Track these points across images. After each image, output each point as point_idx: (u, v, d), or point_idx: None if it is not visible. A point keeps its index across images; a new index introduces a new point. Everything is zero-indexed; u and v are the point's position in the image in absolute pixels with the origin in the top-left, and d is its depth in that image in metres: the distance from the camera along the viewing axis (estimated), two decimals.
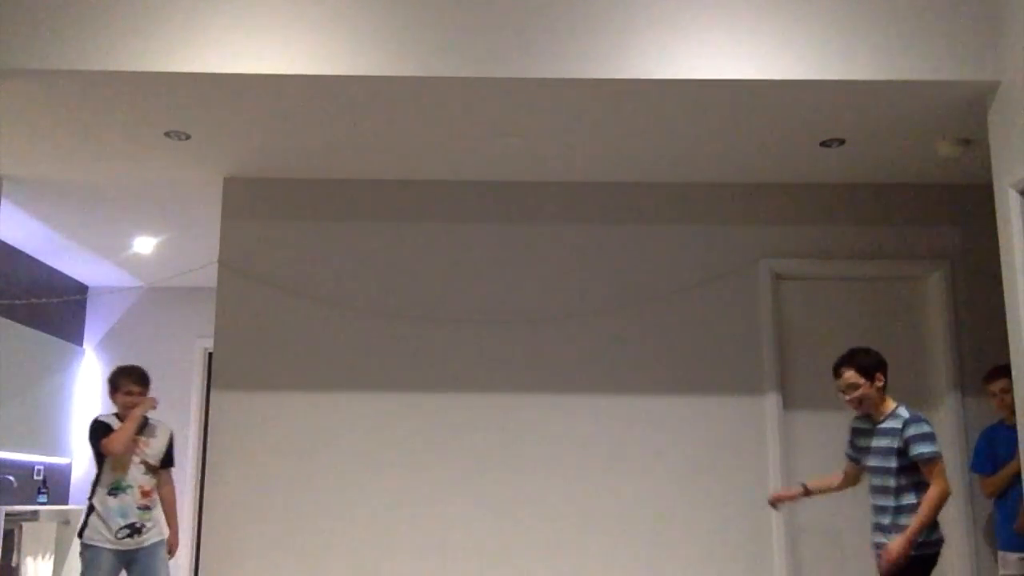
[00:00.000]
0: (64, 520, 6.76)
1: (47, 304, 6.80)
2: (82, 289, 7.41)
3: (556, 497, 4.54)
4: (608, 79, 3.70)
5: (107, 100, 3.91)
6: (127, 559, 4.17)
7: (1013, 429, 4.13)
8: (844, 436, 4.65)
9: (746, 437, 4.60)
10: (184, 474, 7.22)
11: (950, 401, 4.65)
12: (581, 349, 4.68)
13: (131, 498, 4.16)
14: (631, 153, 4.48)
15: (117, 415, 4.27)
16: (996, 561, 4.17)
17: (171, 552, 4.32)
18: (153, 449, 4.27)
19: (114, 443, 4.10)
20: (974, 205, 4.87)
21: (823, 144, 4.35)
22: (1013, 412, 4.10)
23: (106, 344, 7.44)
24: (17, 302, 6.36)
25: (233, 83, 3.75)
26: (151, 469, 4.24)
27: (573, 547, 4.49)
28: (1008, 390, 4.11)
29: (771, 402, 4.62)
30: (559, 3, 3.75)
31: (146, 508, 4.21)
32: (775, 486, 4.52)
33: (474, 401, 4.62)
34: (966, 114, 4.01)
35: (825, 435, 4.67)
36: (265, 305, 4.72)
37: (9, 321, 6.22)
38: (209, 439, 4.59)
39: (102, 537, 4.13)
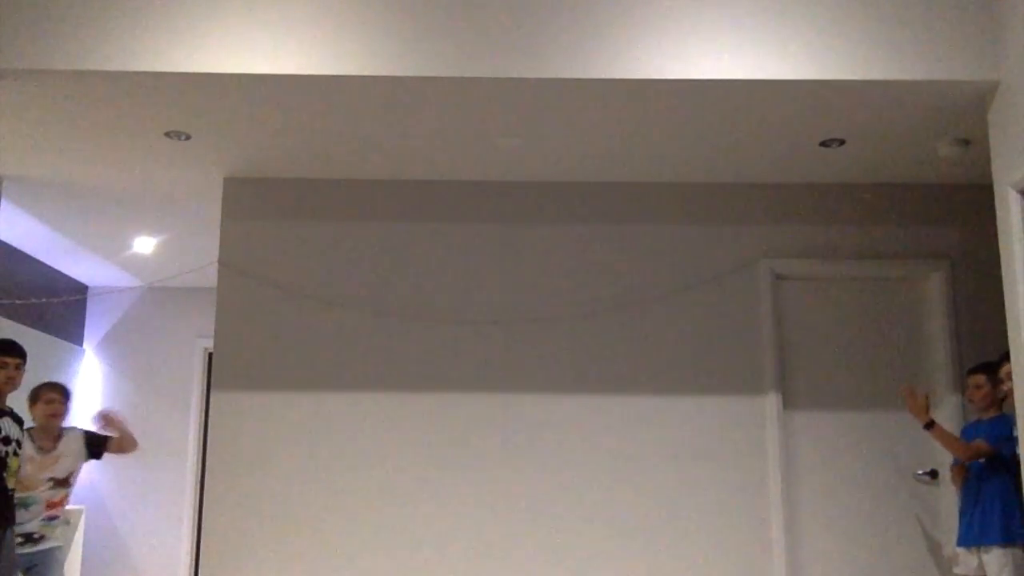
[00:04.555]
0: (64, 520, 6.73)
1: (47, 304, 6.80)
2: (82, 289, 7.41)
3: (556, 497, 4.54)
4: (608, 79, 3.70)
5: (107, 100, 3.91)
6: (26, 563, 4.20)
7: (982, 424, 4.23)
8: (844, 436, 4.67)
9: (746, 437, 4.60)
10: (184, 474, 7.22)
11: (950, 401, 4.65)
12: (581, 349, 4.67)
13: (34, 513, 4.23)
14: (631, 153, 4.47)
15: (32, 432, 4.31)
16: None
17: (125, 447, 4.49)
18: (63, 465, 4.31)
19: (24, 488, 4.19)
20: (974, 205, 4.87)
21: (823, 144, 4.35)
22: (985, 408, 4.22)
23: (106, 344, 7.44)
24: (17, 302, 6.36)
25: (233, 83, 3.75)
26: (61, 483, 4.29)
27: (573, 547, 4.49)
28: (980, 386, 4.21)
29: (771, 402, 4.62)
30: (559, 3, 3.75)
31: (51, 519, 4.26)
32: (775, 486, 4.53)
33: (474, 401, 4.62)
34: (966, 114, 4.01)
35: (825, 435, 4.67)
36: (265, 305, 4.72)
37: (9, 321, 6.22)
38: (209, 439, 4.59)
39: None
